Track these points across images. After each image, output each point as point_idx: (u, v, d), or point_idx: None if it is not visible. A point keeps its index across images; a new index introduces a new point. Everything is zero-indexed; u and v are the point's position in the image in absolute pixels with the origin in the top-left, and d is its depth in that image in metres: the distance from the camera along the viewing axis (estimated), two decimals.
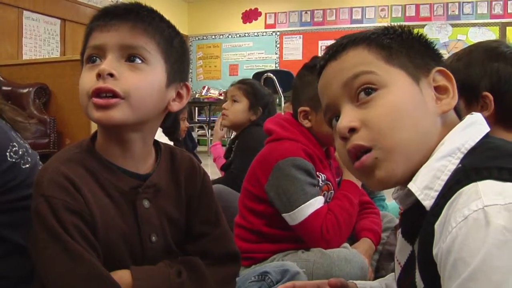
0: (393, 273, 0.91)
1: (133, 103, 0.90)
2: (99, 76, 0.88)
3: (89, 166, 0.94)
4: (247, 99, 2.59)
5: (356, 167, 0.74)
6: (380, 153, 0.71)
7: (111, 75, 0.88)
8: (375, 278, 1.45)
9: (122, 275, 0.91)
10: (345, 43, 0.79)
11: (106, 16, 0.93)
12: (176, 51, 0.99)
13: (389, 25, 0.82)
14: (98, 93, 0.88)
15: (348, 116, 0.75)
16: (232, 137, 2.99)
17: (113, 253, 0.93)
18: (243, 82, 2.69)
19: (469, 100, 1.19)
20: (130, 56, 0.92)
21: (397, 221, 1.77)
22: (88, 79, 0.91)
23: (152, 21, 0.95)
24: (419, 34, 0.81)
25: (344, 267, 1.42)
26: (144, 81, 0.91)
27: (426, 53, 0.79)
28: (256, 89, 2.63)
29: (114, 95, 0.88)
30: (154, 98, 0.94)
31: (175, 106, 1.01)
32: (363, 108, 0.74)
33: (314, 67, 1.57)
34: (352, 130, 0.74)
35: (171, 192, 1.03)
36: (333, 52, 0.80)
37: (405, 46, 0.77)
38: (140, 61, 0.92)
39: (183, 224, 1.05)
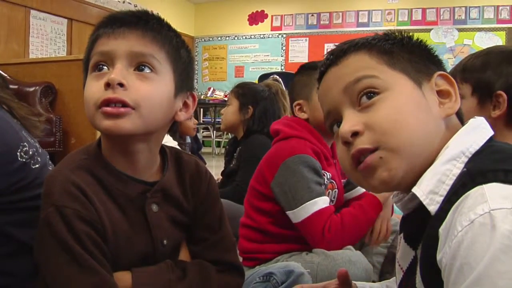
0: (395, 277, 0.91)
1: (143, 114, 0.88)
2: (107, 85, 0.85)
3: (97, 173, 0.92)
4: (237, 100, 2.63)
5: (360, 169, 0.73)
6: (384, 152, 0.70)
7: (121, 85, 0.85)
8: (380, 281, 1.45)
9: (122, 277, 0.91)
10: (346, 48, 0.78)
11: (113, 23, 0.90)
12: (184, 60, 0.98)
13: (390, 31, 0.81)
14: (107, 103, 0.86)
15: (350, 121, 0.74)
16: (230, 139, 2.99)
17: (122, 260, 0.93)
18: (237, 86, 2.73)
19: (483, 99, 1.21)
20: (139, 65, 0.89)
21: None
22: (95, 89, 0.88)
23: (161, 30, 0.93)
24: (419, 40, 0.80)
25: (348, 268, 1.41)
26: (154, 91, 0.89)
27: (427, 57, 0.79)
28: (247, 89, 2.65)
29: (124, 105, 0.86)
30: (163, 108, 0.92)
31: (182, 116, 0.99)
32: (365, 112, 0.73)
33: (309, 67, 1.60)
34: (355, 135, 0.73)
35: (178, 196, 1.02)
36: (334, 58, 0.79)
37: (406, 51, 0.77)
38: (149, 70, 0.90)
39: (187, 227, 1.05)
